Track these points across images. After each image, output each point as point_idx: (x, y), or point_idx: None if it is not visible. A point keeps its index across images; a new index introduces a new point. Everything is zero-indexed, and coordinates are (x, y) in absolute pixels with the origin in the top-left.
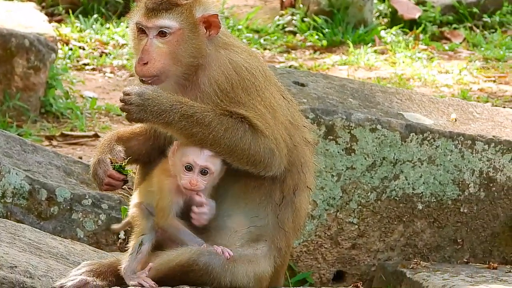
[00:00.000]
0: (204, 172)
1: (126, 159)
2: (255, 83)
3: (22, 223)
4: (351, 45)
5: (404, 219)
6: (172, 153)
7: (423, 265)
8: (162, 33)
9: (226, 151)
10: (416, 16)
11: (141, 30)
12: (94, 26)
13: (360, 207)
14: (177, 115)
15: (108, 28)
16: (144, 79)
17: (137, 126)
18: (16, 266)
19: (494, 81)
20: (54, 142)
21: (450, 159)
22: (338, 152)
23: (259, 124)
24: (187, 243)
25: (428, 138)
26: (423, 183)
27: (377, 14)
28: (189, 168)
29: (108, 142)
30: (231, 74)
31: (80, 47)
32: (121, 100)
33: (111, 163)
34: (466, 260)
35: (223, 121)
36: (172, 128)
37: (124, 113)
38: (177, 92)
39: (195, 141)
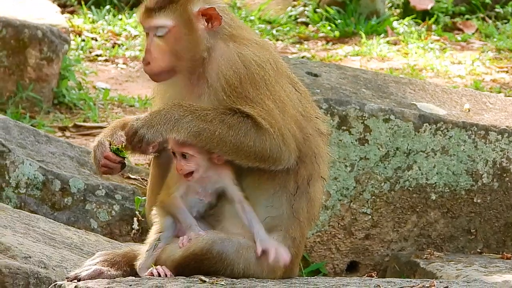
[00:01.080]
0: (184, 156)
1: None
2: (264, 77)
3: (36, 213)
4: (363, 36)
5: (418, 209)
6: None
7: (437, 255)
8: (159, 32)
9: (232, 150)
10: (429, 7)
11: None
12: (106, 17)
13: (373, 197)
14: (186, 123)
15: (121, 19)
16: (152, 77)
17: None
18: (30, 257)
19: (507, 72)
20: (67, 133)
21: (464, 149)
22: (352, 142)
23: (263, 122)
24: (183, 224)
25: (442, 129)
26: (437, 173)
27: (390, 4)
28: (174, 154)
29: (112, 127)
30: (239, 69)
31: (92, 38)
32: (129, 138)
33: (110, 145)
34: (479, 251)
35: (225, 120)
36: (182, 136)
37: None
38: (185, 87)
39: (201, 140)
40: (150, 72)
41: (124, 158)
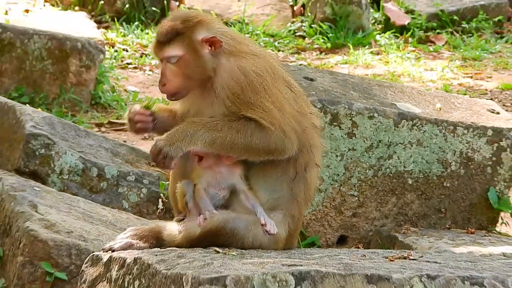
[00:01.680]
0: None
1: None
2: (262, 83)
3: (77, 196)
4: (351, 47)
5: (397, 192)
6: None
7: (412, 230)
8: (171, 60)
9: (244, 150)
10: (406, 23)
11: None
12: (135, 32)
13: (360, 182)
14: (201, 135)
15: (147, 33)
16: (168, 97)
17: (171, 104)
18: (72, 232)
19: (471, 77)
20: (103, 129)
21: (435, 141)
22: (342, 136)
23: (265, 122)
24: (203, 209)
25: (417, 124)
26: (413, 162)
27: (373, 21)
28: None
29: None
30: (240, 79)
31: (123, 49)
32: (154, 156)
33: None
34: (448, 226)
35: (233, 126)
36: (199, 147)
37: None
38: (199, 98)
39: (217, 147)
40: (166, 92)
41: (154, 113)
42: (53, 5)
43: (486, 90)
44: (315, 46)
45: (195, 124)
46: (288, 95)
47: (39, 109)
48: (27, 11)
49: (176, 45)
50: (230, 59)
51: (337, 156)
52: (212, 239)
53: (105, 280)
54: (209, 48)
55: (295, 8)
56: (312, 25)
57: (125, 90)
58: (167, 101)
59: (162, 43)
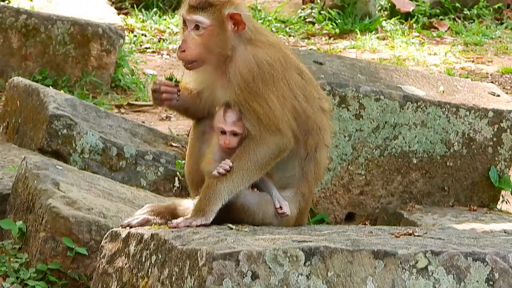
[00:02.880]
0: (235, 134)
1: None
2: (273, 74)
3: (97, 174)
4: (358, 32)
5: (402, 171)
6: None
7: (417, 208)
8: (197, 27)
9: (259, 170)
10: (410, 10)
11: (184, 22)
12: (153, 18)
13: (367, 161)
14: (221, 190)
15: (165, 19)
16: (184, 64)
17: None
18: (92, 208)
19: (473, 61)
20: (122, 110)
21: (439, 123)
22: (349, 117)
23: (259, 134)
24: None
25: (421, 106)
26: (417, 142)
27: (379, 8)
28: (223, 132)
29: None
30: (253, 67)
31: (142, 34)
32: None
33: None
34: (451, 204)
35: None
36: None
37: None
38: (212, 78)
39: (239, 184)
40: (184, 58)
41: (179, 83)
42: None
43: (487, 73)
44: (324, 31)
45: (210, 185)
46: (297, 84)
47: (62, 91)
48: None
49: (206, 14)
50: (247, 47)
51: (345, 136)
52: (224, 213)
53: (123, 255)
54: (233, 26)
55: None
56: (321, 12)
57: (144, 73)
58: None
59: (193, 8)
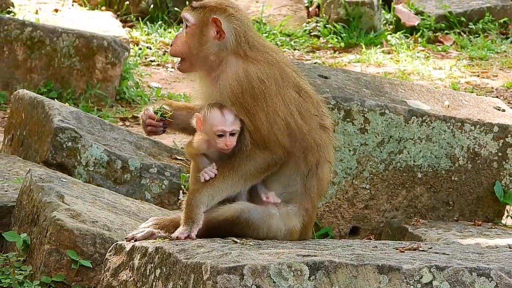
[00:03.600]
0: (232, 133)
1: (169, 111)
2: (264, 90)
3: (102, 187)
4: (363, 46)
5: (407, 185)
6: (199, 125)
7: (422, 222)
8: (186, 25)
9: (245, 180)
10: (416, 24)
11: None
12: (158, 31)
13: (371, 175)
14: (202, 196)
15: (170, 32)
16: (177, 64)
17: (190, 103)
18: (97, 221)
19: (478, 76)
20: (127, 123)
21: (444, 137)
22: (354, 131)
23: (247, 148)
24: (202, 169)
25: (426, 121)
26: (422, 156)
27: (384, 22)
28: (220, 135)
29: (158, 102)
30: (243, 82)
31: (147, 47)
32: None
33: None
34: (456, 219)
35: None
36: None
37: None
38: (206, 94)
39: (223, 192)
40: (171, 53)
41: (165, 118)
42: (81, 5)
43: (492, 88)
44: (329, 45)
45: (193, 191)
46: (294, 101)
47: (67, 104)
48: (56, 10)
49: (194, 13)
50: (239, 60)
51: (350, 150)
52: (228, 227)
53: (127, 268)
54: (216, 33)
55: (310, 9)
56: (327, 25)
57: (149, 86)
58: (187, 99)
59: (190, 7)
